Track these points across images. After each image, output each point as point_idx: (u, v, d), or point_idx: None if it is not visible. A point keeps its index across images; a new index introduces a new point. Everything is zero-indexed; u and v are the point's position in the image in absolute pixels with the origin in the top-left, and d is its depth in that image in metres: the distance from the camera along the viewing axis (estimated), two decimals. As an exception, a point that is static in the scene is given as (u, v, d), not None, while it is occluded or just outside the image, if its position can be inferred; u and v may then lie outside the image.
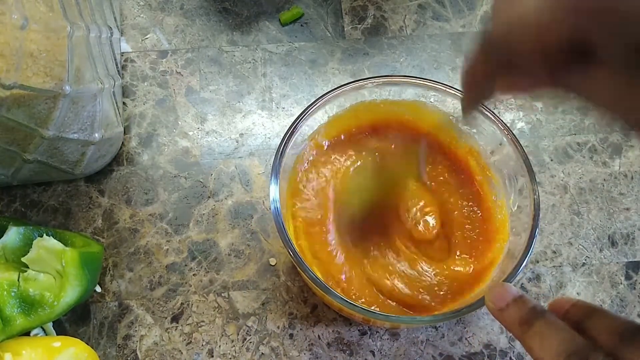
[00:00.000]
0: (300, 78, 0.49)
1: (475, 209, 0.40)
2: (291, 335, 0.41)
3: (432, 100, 0.40)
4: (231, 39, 0.50)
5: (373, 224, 0.40)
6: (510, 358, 0.41)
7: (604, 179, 0.46)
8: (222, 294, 0.42)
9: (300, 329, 0.41)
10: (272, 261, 0.43)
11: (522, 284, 0.43)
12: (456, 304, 0.37)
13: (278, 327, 0.41)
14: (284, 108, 0.48)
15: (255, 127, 0.47)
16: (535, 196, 0.35)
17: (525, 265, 0.34)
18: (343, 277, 0.38)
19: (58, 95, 0.36)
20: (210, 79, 0.49)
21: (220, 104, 0.48)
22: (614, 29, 0.18)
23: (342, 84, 0.39)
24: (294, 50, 0.50)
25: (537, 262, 0.44)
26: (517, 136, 0.37)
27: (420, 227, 0.39)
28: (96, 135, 0.41)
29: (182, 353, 0.41)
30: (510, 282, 0.33)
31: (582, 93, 0.22)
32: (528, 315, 0.27)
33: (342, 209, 0.40)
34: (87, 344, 0.38)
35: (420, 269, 0.38)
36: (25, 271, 0.37)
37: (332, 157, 0.41)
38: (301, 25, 0.51)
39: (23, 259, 0.37)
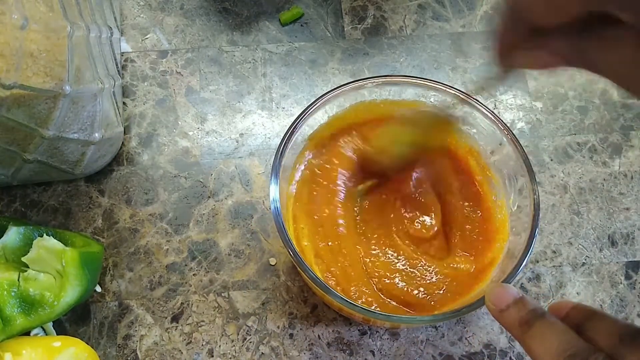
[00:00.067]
0: (300, 78, 0.49)
1: (475, 208, 0.40)
2: (291, 335, 0.41)
3: (432, 100, 0.40)
4: (231, 39, 0.50)
5: (376, 207, 0.40)
6: (510, 358, 0.41)
7: (604, 179, 0.46)
8: (222, 294, 0.42)
9: (300, 329, 0.41)
10: (272, 261, 0.43)
11: (522, 283, 0.43)
12: (456, 304, 0.37)
13: (278, 327, 0.41)
14: (284, 108, 0.48)
15: (255, 127, 0.47)
16: (535, 196, 0.35)
17: (525, 265, 0.34)
18: (342, 274, 0.38)
19: (58, 95, 0.36)
20: (210, 79, 0.49)
21: (220, 104, 0.48)
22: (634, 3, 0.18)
23: (342, 84, 0.39)
24: (294, 50, 0.50)
25: (537, 262, 0.44)
26: (517, 136, 0.37)
27: (418, 226, 0.39)
28: (96, 135, 0.41)
29: (182, 353, 0.41)
30: (510, 282, 0.33)
31: (599, 64, 0.22)
32: (528, 316, 0.27)
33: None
34: (87, 344, 0.38)
35: (420, 268, 0.39)
36: (25, 271, 0.37)
37: (333, 159, 0.41)
38: (301, 25, 0.51)
39: (23, 259, 0.37)
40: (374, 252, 0.39)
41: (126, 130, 0.47)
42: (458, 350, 0.41)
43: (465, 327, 0.42)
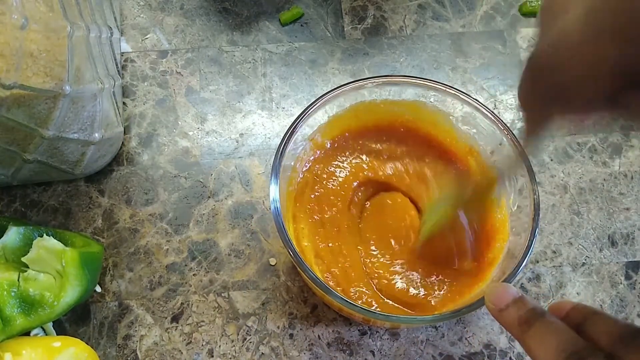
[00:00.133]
0: (300, 78, 0.49)
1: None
2: (291, 335, 0.41)
3: (432, 100, 0.40)
4: (231, 39, 0.50)
5: (377, 208, 0.40)
6: (510, 358, 0.41)
7: (604, 179, 0.46)
8: (222, 294, 0.42)
9: (300, 329, 0.41)
10: (272, 261, 0.43)
11: (522, 284, 0.43)
12: (456, 304, 0.37)
13: (278, 327, 0.41)
14: (284, 108, 0.48)
15: (255, 127, 0.47)
16: (535, 196, 0.35)
17: (525, 265, 0.34)
18: (342, 274, 0.38)
19: (58, 95, 0.36)
20: (210, 79, 0.49)
21: (220, 104, 0.48)
22: None
23: (342, 84, 0.39)
24: (294, 50, 0.50)
25: (537, 262, 0.44)
26: (517, 136, 0.37)
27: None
28: (96, 135, 0.41)
29: (182, 353, 0.41)
30: (510, 282, 0.33)
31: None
32: (527, 315, 0.27)
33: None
34: (87, 344, 0.38)
35: (420, 268, 0.38)
36: (25, 271, 0.37)
37: (332, 159, 0.41)
38: (301, 25, 0.51)
39: (23, 259, 0.37)
40: (374, 252, 0.39)
41: (126, 130, 0.47)
42: (458, 351, 0.41)
43: (465, 327, 0.42)
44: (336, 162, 0.41)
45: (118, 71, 0.47)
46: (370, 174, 0.41)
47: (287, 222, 0.38)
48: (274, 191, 0.36)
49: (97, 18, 0.43)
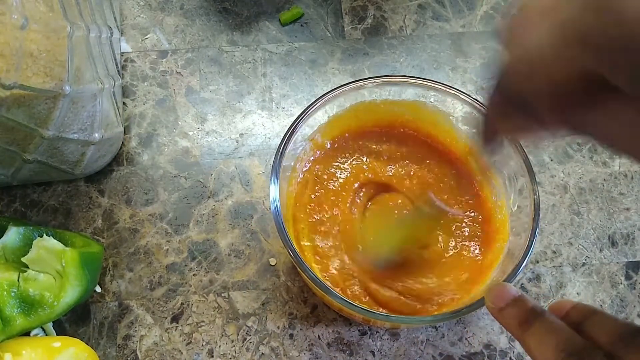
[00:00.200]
0: (300, 78, 0.49)
1: (475, 209, 0.40)
2: (291, 335, 0.41)
3: (432, 100, 0.40)
4: (231, 39, 0.50)
5: (378, 208, 0.40)
6: (510, 358, 0.41)
7: (604, 179, 0.46)
8: (222, 294, 0.42)
9: (300, 329, 0.41)
10: (272, 261, 0.43)
11: (522, 284, 0.43)
12: (456, 304, 0.37)
13: (278, 327, 0.41)
14: (284, 108, 0.48)
15: (255, 127, 0.47)
16: (535, 196, 0.35)
17: (525, 265, 0.34)
18: (341, 274, 0.38)
19: (58, 95, 0.36)
20: (210, 79, 0.49)
21: (220, 104, 0.48)
22: (627, 63, 0.17)
23: (342, 84, 0.39)
24: (294, 50, 0.50)
25: (537, 262, 0.44)
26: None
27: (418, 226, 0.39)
28: (96, 135, 0.41)
29: (182, 353, 0.41)
30: (510, 282, 0.33)
31: (598, 133, 0.21)
32: (527, 315, 0.27)
33: (356, 246, 0.39)
34: (87, 344, 0.38)
35: (420, 269, 0.38)
36: (25, 271, 0.37)
37: (332, 159, 0.41)
38: (301, 25, 0.51)
39: (23, 259, 0.37)
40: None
41: (126, 130, 0.47)
42: (458, 351, 0.41)
43: (465, 328, 0.42)
44: (336, 163, 0.41)
45: (118, 71, 0.47)
46: (370, 175, 0.41)
47: (287, 222, 0.38)
48: (274, 191, 0.36)
49: (97, 18, 0.43)
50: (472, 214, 0.40)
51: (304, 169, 0.41)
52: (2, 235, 0.39)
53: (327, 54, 0.50)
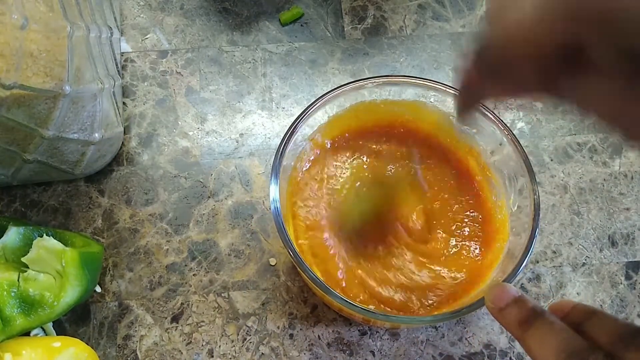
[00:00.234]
0: (300, 78, 0.49)
1: (475, 209, 0.40)
2: (291, 335, 0.41)
3: (432, 100, 0.40)
4: (231, 39, 0.50)
5: (371, 230, 0.40)
6: (510, 358, 0.41)
7: (604, 179, 0.46)
8: (222, 294, 0.42)
9: (300, 329, 0.41)
10: (272, 261, 0.43)
11: (522, 284, 0.43)
12: (456, 304, 0.37)
13: (278, 327, 0.41)
14: (284, 108, 0.48)
15: (255, 127, 0.47)
16: (535, 196, 0.35)
17: (525, 265, 0.34)
18: (341, 274, 0.38)
19: (58, 95, 0.36)
20: (210, 79, 0.49)
21: (220, 104, 0.48)
22: (608, 36, 0.18)
23: (342, 84, 0.39)
24: (294, 50, 0.50)
25: (537, 262, 0.44)
26: (517, 136, 0.37)
27: (418, 227, 0.39)
28: (96, 135, 0.41)
29: (182, 353, 0.41)
30: (510, 282, 0.33)
31: (575, 101, 0.22)
32: (528, 315, 0.27)
33: (341, 216, 0.39)
34: (87, 344, 0.38)
35: (420, 269, 0.38)
36: (25, 271, 0.37)
37: (332, 159, 0.41)
38: (301, 25, 0.51)
39: (23, 259, 0.37)
40: (371, 255, 0.39)
41: (126, 130, 0.47)
42: (458, 351, 0.41)
43: (465, 328, 0.42)
44: (336, 163, 0.41)
45: (118, 71, 0.47)
46: (370, 175, 0.41)
47: (287, 222, 0.38)
48: (274, 191, 0.36)
49: (97, 18, 0.43)
50: (472, 214, 0.40)
51: (304, 169, 0.41)
52: (2, 235, 0.39)
53: (327, 54, 0.50)
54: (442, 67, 0.50)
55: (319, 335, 0.41)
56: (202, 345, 0.41)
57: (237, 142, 0.47)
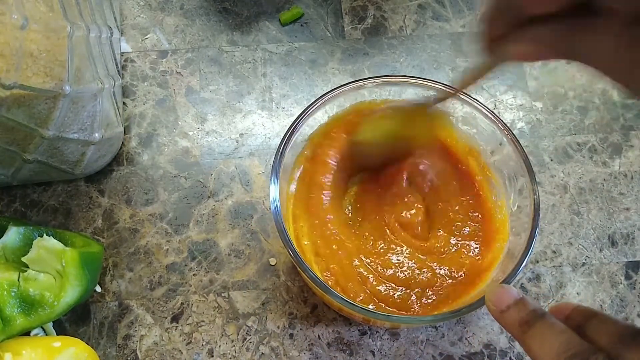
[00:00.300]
0: (300, 78, 0.49)
1: (475, 209, 0.40)
2: (291, 335, 0.41)
3: (432, 100, 0.40)
4: (231, 39, 0.50)
5: (372, 208, 0.40)
6: (510, 358, 0.41)
7: (604, 179, 0.46)
8: (222, 294, 0.42)
9: (300, 329, 0.41)
10: (272, 261, 0.43)
11: (522, 284, 0.43)
12: (456, 304, 0.37)
13: (278, 327, 0.41)
14: (284, 108, 0.48)
15: (255, 127, 0.47)
16: (535, 196, 0.35)
17: (525, 265, 0.34)
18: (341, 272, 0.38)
19: (58, 95, 0.36)
20: (210, 79, 0.49)
21: (220, 104, 0.48)
22: None
23: (342, 84, 0.39)
24: (294, 50, 0.50)
25: (537, 262, 0.44)
26: (517, 136, 0.37)
27: (418, 228, 0.39)
28: (96, 135, 0.41)
29: (182, 353, 0.41)
30: (510, 282, 0.33)
31: (585, 54, 0.23)
32: (528, 317, 0.27)
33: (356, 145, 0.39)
34: (87, 344, 0.38)
35: (419, 268, 0.38)
36: (25, 271, 0.37)
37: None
38: (301, 25, 0.51)
39: (23, 259, 0.37)
40: (371, 251, 0.39)
41: (126, 130, 0.47)
42: (458, 351, 0.41)
43: (465, 327, 0.42)
44: (329, 157, 0.41)
45: (118, 71, 0.47)
46: (370, 174, 0.41)
47: (287, 221, 0.38)
48: (274, 191, 0.36)
49: (97, 18, 0.43)
50: (472, 214, 0.40)
51: (304, 169, 0.41)
52: (2, 235, 0.39)
53: (327, 54, 0.50)
54: (442, 67, 0.50)
55: (319, 335, 0.41)
56: (202, 345, 0.41)
57: (237, 142, 0.47)
